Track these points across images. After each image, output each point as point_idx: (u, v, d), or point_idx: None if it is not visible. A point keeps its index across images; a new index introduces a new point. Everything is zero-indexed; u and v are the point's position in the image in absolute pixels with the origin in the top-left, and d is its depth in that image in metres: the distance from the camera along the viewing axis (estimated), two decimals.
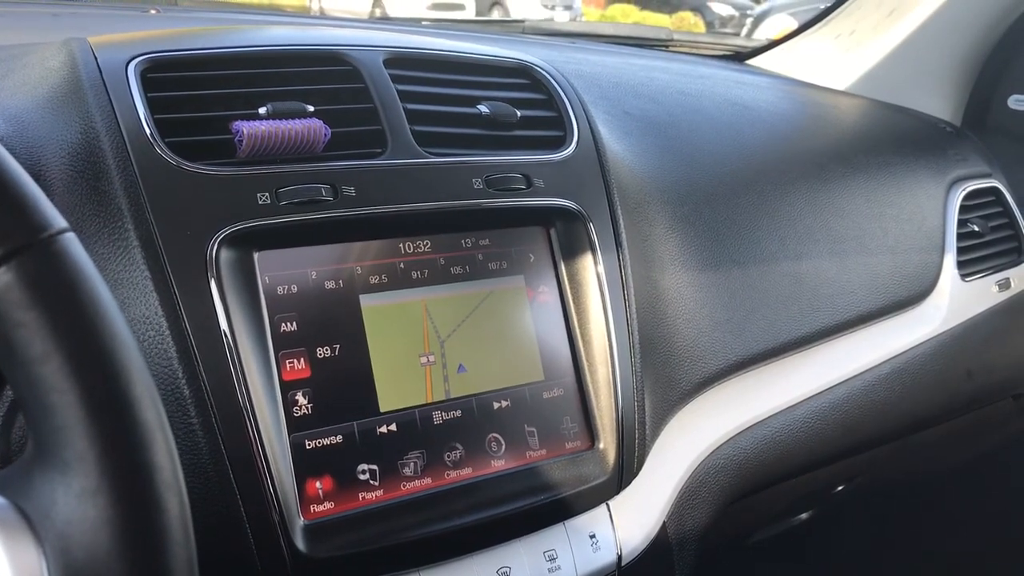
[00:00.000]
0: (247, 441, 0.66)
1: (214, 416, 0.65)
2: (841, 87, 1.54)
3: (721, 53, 1.80)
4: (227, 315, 0.67)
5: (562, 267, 0.84)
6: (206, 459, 0.65)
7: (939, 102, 1.56)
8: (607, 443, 0.82)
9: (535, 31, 1.63)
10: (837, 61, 1.58)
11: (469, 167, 0.80)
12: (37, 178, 0.68)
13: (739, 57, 1.76)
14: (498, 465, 0.77)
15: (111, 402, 0.39)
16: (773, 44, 1.73)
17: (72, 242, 0.41)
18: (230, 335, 0.67)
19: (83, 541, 0.38)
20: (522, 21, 1.70)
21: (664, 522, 0.90)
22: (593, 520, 0.83)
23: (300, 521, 0.67)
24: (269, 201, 0.70)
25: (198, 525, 0.64)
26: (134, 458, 0.40)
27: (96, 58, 0.74)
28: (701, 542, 0.95)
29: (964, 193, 1.36)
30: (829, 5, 1.63)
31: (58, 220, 0.41)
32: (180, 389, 0.65)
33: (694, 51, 1.79)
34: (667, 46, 1.77)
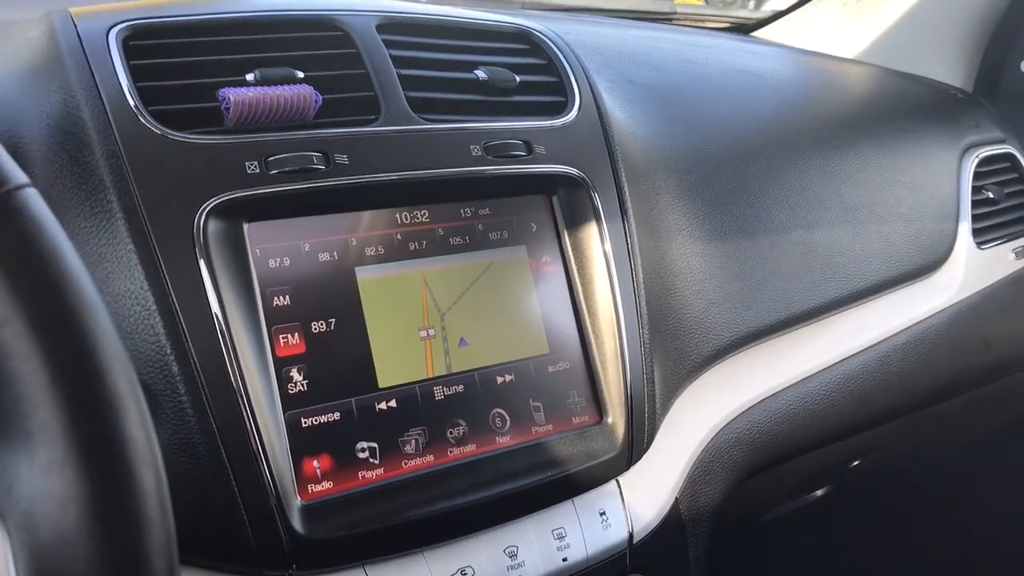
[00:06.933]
0: (240, 420, 0.63)
1: (205, 394, 0.63)
2: (849, 56, 1.51)
3: (725, 26, 1.77)
4: (216, 289, 0.64)
5: (566, 237, 0.81)
6: (197, 439, 0.62)
7: (950, 68, 1.52)
8: (616, 417, 0.79)
9: (534, 5, 1.59)
10: (844, 30, 1.54)
11: (467, 133, 0.77)
12: (15, 151, 0.66)
13: (744, 29, 1.73)
14: (503, 441, 0.74)
15: (77, 368, 0.36)
16: (778, 15, 1.69)
17: (33, 198, 0.38)
18: (220, 310, 0.64)
19: (49, 518, 0.35)
20: None
21: (676, 498, 0.87)
22: (603, 497, 0.80)
23: (297, 501, 0.65)
24: (258, 170, 0.67)
25: (190, 507, 0.62)
26: (104, 428, 0.37)
27: (76, 27, 0.71)
28: (715, 519, 0.92)
29: (978, 159, 1.33)
30: None
31: (17, 175, 0.38)
32: (169, 367, 0.62)
33: (697, 24, 1.75)
34: (670, 19, 1.73)
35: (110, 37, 0.70)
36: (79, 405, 0.36)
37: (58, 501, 0.36)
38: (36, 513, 0.36)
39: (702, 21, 1.80)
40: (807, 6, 1.64)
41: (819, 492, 1.47)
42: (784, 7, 1.70)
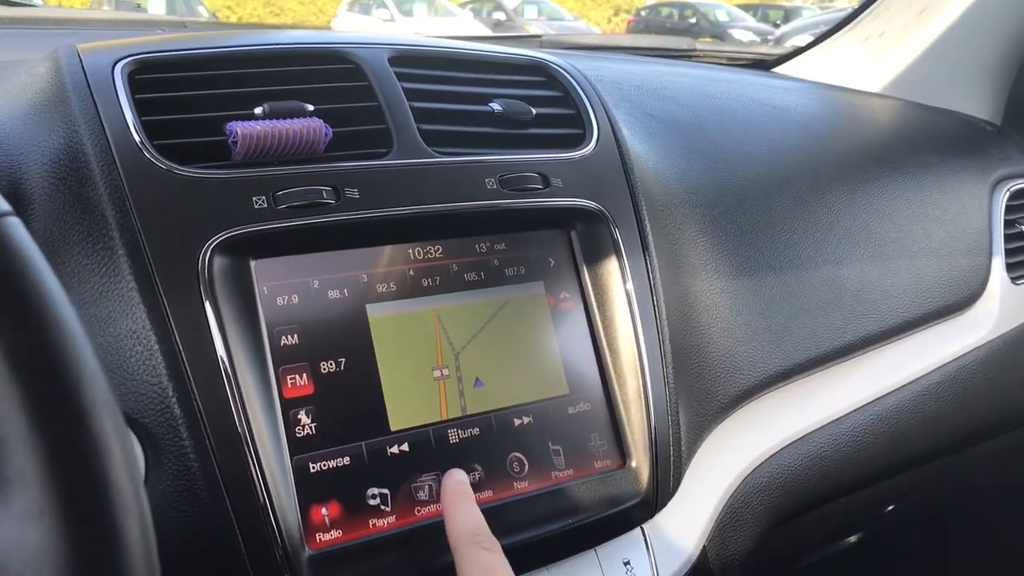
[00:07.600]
0: (244, 465, 0.60)
1: (208, 438, 0.60)
2: (874, 91, 1.48)
3: (745, 62, 1.75)
4: (221, 328, 0.61)
5: (585, 272, 0.78)
6: (199, 485, 0.59)
7: (978, 101, 1.49)
8: (640, 461, 0.76)
9: (553, 44, 1.58)
10: (867, 65, 1.51)
11: (481, 166, 0.75)
12: (17, 187, 0.64)
13: (764, 65, 1.71)
14: (521, 487, 0.71)
15: (58, 408, 0.34)
16: (799, 51, 1.67)
17: (14, 226, 0.36)
18: (225, 350, 0.61)
19: (23, 572, 0.33)
20: (539, 36, 1.66)
21: (704, 546, 0.83)
22: (627, 545, 0.76)
23: (305, 552, 0.62)
24: (266, 205, 0.65)
25: (191, 557, 0.59)
26: (85, 474, 0.34)
27: (82, 61, 0.69)
28: (745, 568, 0.88)
29: (1009, 193, 1.29)
30: (856, 8, 1.57)
31: None
32: (171, 409, 0.60)
33: (717, 60, 1.74)
34: (690, 56, 1.72)
35: (115, 71, 0.68)
36: (58, 450, 0.33)
37: (33, 554, 0.33)
38: (9, 566, 0.33)
39: (722, 57, 1.79)
40: (828, 41, 1.62)
41: (853, 538, 1.41)
42: (804, 43, 1.68)
